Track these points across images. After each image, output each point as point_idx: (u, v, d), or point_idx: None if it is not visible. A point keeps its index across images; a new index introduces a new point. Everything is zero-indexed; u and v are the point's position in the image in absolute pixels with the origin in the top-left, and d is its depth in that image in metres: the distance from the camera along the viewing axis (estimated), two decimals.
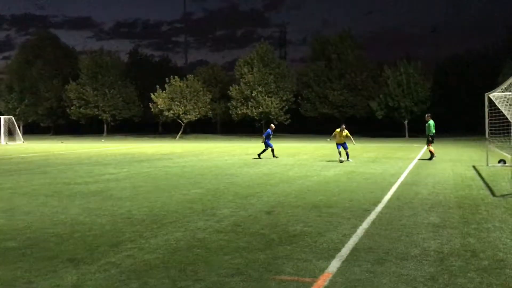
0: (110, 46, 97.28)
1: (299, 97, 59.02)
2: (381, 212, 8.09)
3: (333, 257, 5.40)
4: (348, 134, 18.48)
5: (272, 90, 56.64)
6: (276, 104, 56.21)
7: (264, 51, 58.24)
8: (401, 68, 51.60)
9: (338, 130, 18.44)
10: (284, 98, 57.34)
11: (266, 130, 21.17)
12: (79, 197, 9.98)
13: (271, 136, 20.40)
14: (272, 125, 21.52)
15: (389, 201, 9.29)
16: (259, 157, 20.05)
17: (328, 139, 20.25)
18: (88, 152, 27.34)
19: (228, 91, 58.59)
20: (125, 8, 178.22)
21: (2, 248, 5.83)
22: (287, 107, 57.64)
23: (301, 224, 7.16)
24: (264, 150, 20.24)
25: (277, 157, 19.92)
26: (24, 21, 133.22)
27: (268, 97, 56.13)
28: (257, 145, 33.62)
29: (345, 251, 5.65)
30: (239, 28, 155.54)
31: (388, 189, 10.84)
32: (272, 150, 20.20)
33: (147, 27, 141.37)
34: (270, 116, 56.11)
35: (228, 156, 22.91)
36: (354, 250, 5.70)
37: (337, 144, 18.27)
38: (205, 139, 52.18)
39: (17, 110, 61.77)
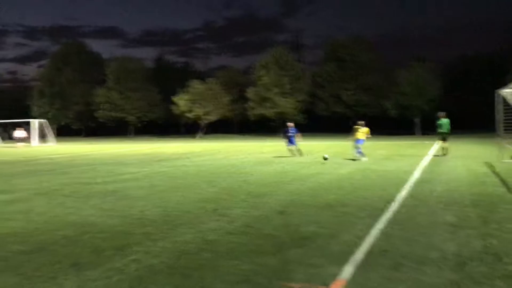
0: (136, 53, 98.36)
1: (314, 97, 58.27)
2: (396, 211, 7.46)
3: (346, 261, 4.82)
4: (363, 131, 17.51)
5: (288, 91, 56.03)
6: (292, 104, 55.59)
7: (279, 55, 57.66)
8: (413, 68, 50.52)
9: (358, 127, 17.53)
10: (299, 99, 56.69)
11: (286, 129, 20.32)
12: (95, 197, 9.56)
13: (288, 135, 19.79)
14: (290, 124, 20.73)
15: (404, 199, 8.64)
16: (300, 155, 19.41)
17: (348, 138, 18.86)
18: (113, 153, 27.13)
19: (246, 93, 58.15)
20: (150, 18, 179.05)
21: (11, 252, 5.39)
22: (302, 107, 56.98)
23: (313, 225, 6.59)
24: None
25: (293, 156, 19.23)
26: (57, 32, 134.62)
27: (284, 98, 55.55)
28: (273, 144, 33.07)
29: (360, 255, 5.06)
30: (257, 34, 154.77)
31: (402, 187, 10.17)
32: (292, 149, 19.61)
33: (171, 35, 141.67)
34: (286, 116, 55.50)
35: (244, 154, 22.40)
36: (369, 253, 5.11)
37: (357, 141, 17.40)
38: (224, 139, 51.76)
39: (49, 114, 62.20)
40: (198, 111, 56.51)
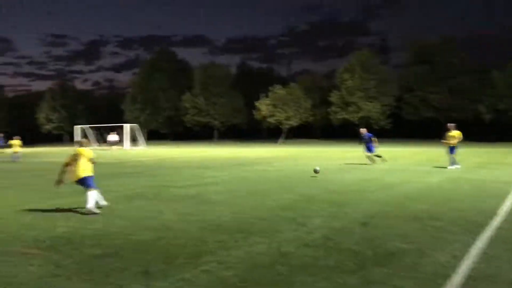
0: (221, 60, 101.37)
1: (401, 101, 55.72)
2: (499, 228, 6.53)
3: (441, 286, 4.16)
4: (454, 134, 16.06)
5: (373, 95, 54.14)
6: (377, 108, 53.61)
7: (365, 58, 55.90)
8: (510, 69, 46.46)
9: (450, 131, 16.08)
10: (385, 103, 54.53)
11: (360, 136, 19.26)
12: (175, 201, 9.56)
13: (363, 141, 18.80)
14: (363, 129, 19.57)
15: (508, 213, 7.61)
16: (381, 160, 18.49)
17: (442, 141, 17.11)
18: (197, 156, 27.75)
19: (329, 97, 57.13)
20: (235, 26, 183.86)
21: (86, 256, 5.38)
22: (388, 111, 54.74)
23: (400, 240, 5.92)
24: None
25: (373, 164, 18.23)
26: (149, 41, 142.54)
27: (369, 102, 53.77)
28: (356, 150, 31.93)
29: (458, 279, 4.36)
30: (340, 38, 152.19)
31: (504, 199, 9.04)
32: (370, 156, 18.59)
33: (254, 42, 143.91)
34: (370, 120, 53.69)
35: (326, 160, 21.72)
36: (469, 278, 4.39)
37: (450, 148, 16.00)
38: (305, 144, 51.13)
39: (140, 118, 65.63)
40: (279, 115, 56.51)
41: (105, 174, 16.16)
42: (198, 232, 6.53)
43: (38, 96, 79.62)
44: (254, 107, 58.52)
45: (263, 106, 56.97)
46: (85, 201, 8.30)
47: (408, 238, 6.02)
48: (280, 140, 58.27)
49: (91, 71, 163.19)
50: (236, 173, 15.81)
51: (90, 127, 52.36)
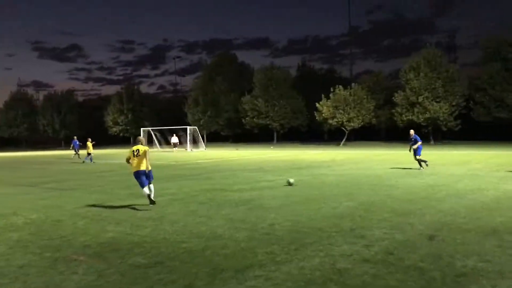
0: (283, 62, 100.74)
1: (471, 102, 52.60)
2: None
3: None
4: None
5: (440, 95, 51.48)
6: (445, 109, 50.92)
7: (431, 56, 53.29)
8: None
9: None
10: (453, 103, 51.70)
11: (414, 137, 18.20)
12: (228, 206, 9.31)
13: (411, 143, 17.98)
14: (411, 131, 18.70)
15: None
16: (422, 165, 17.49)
17: None
18: (255, 159, 27.58)
19: (393, 97, 55.08)
20: (297, 27, 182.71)
21: (130, 265, 5.20)
22: (457, 112, 51.86)
23: (474, 258, 5.25)
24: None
25: (420, 168, 17.13)
26: (212, 45, 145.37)
27: (436, 102, 51.22)
28: (424, 153, 30.40)
29: None
30: (405, 37, 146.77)
31: None
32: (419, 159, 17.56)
33: (316, 43, 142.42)
34: (438, 121, 51.12)
35: (390, 164, 20.71)
36: None
37: None
38: (368, 146, 49.56)
39: (201, 121, 66.83)
40: (341, 117, 55.23)
41: (163, 177, 16.32)
42: (248, 242, 6.19)
43: (107, 99, 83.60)
44: (315, 109, 57.66)
45: (324, 108, 55.97)
46: (151, 192, 9.45)
47: (483, 256, 5.32)
48: (342, 142, 56.98)
49: (156, 75, 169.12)
50: (293, 177, 15.31)
51: (153, 129, 53.98)
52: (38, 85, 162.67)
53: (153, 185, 9.64)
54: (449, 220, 7.47)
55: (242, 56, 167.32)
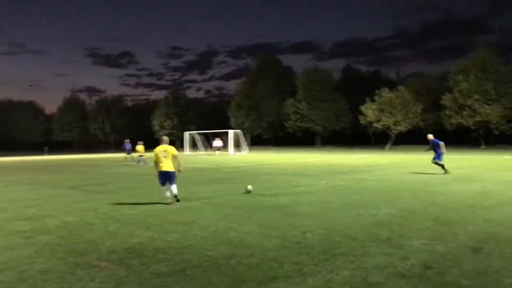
0: (328, 65, 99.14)
1: None
2: None
3: None
4: None
5: (492, 97, 49.07)
6: (497, 112, 48.45)
7: (482, 57, 50.89)
8: None
9: None
10: (507, 106, 49.11)
11: (434, 141, 17.66)
12: (262, 211, 9.02)
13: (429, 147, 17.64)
14: (429, 135, 18.38)
15: None
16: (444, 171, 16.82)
17: None
18: (296, 163, 27.18)
19: (440, 100, 53.04)
20: (342, 29, 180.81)
21: (151, 273, 5.00)
22: (510, 115, 49.23)
23: None
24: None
25: (444, 173, 16.57)
26: (257, 49, 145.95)
27: (487, 105, 48.85)
28: (472, 158, 28.97)
29: None
30: (456, 38, 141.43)
31: None
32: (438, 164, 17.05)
33: (362, 45, 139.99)
34: (490, 125, 48.74)
35: (437, 169, 19.74)
36: None
37: None
38: (415, 151, 47.85)
39: (245, 124, 67.01)
40: (386, 120, 53.78)
41: (201, 180, 16.28)
42: (276, 251, 5.88)
43: (154, 104, 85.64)
44: (360, 112, 56.46)
45: (369, 111, 54.69)
46: (172, 193, 10.14)
47: None
48: (387, 146, 55.42)
49: (203, 80, 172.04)
50: (333, 181, 14.89)
51: (197, 133, 54.59)
52: (91, 90, 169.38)
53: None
54: (498, 231, 6.85)
55: (287, 60, 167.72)
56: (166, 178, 10.24)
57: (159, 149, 10.35)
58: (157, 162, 10.34)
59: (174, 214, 8.81)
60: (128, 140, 32.85)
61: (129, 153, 31.35)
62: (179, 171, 10.49)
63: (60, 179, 18.08)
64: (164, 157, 10.23)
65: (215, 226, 7.55)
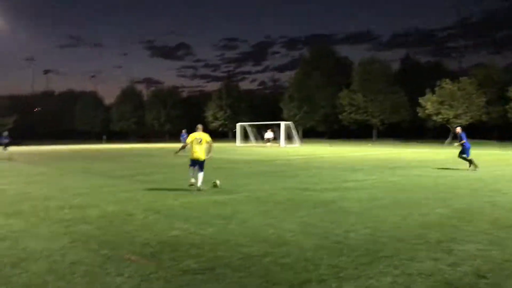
0: (386, 56, 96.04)
1: None
2: None
3: None
4: None
5: None
6: None
7: None
8: None
9: None
10: None
11: (461, 134, 17.30)
12: (305, 207, 8.70)
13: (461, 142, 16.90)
14: (457, 128, 17.76)
15: None
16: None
17: None
18: (349, 156, 26.50)
19: (507, 92, 49.90)
20: (401, 20, 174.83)
21: (179, 269, 4.82)
22: None
23: None
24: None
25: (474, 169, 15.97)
26: (313, 40, 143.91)
27: None
28: None
29: None
30: None
31: None
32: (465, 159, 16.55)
33: (422, 36, 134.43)
34: None
35: (500, 166, 18.51)
36: None
37: None
38: (477, 146, 45.32)
39: (297, 116, 66.31)
40: (446, 113, 51.31)
41: (248, 173, 16.17)
42: (314, 251, 5.56)
43: (209, 96, 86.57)
44: (418, 104, 54.23)
45: (428, 103, 52.40)
46: (198, 180, 10.82)
47: None
48: (448, 140, 52.96)
49: (258, 72, 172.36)
50: (385, 177, 14.27)
51: (249, 124, 54.72)
52: (149, 81, 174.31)
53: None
54: None
55: (344, 51, 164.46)
56: (195, 164, 11.00)
57: (194, 136, 11.07)
58: (189, 148, 11.09)
59: (215, 207, 8.69)
60: (185, 130, 33.17)
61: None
62: (210, 157, 11.34)
63: (112, 168, 18.58)
64: (198, 143, 10.92)
65: (254, 222, 7.33)
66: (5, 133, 29.66)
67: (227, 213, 8.06)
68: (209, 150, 11.19)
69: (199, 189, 10.81)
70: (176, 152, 12.96)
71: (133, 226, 6.98)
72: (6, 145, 28.51)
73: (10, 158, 24.97)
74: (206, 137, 11.14)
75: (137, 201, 9.50)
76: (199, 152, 10.96)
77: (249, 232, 6.59)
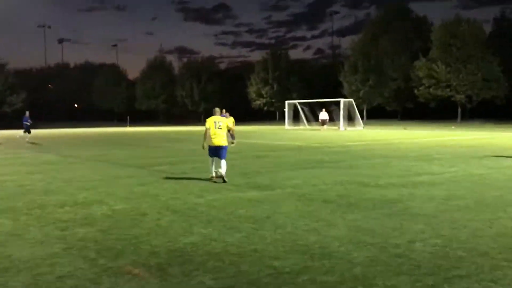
0: (475, 15, 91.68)
1: None
2: None
3: None
4: None
5: None
6: None
7: None
8: None
9: None
10: None
11: None
12: (361, 208, 8.39)
13: None
14: None
15: None
16: None
17: None
18: (426, 142, 25.82)
19: None
20: None
21: (196, 283, 4.70)
22: None
23: None
24: None
25: None
26: None
27: None
28: None
29: None
30: None
31: None
32: None
33: None
34: None
35: None
36: None
37: None
38: None
39: (361, 92, 65.17)
40: None
41: (294, 163, 16.03)
42: (365, 266, 5.26)
43: (252, 68, 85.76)
44: None
45: None
46: (221, 168, 11.30)
47: None
48: None
49: (313, 37, 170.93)
50: (469, 169, 13.68)
51: (301, 102, 54.34)
52: (181, 51, 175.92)
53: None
54: None
55: (421, 8, 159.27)
56: (216, 152, 11.47)
57: (213, 119, 11.55)
58: (208, 135, 11.52)
59: (247, 206, 8.56)
60: (224, 110, 33.16)
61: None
62: (232, 143, 12.21)
63: (131, 156, 18.88)
64: (219, 128, 11.42)
65: (293, 226, 7.11)
66: (27, 113, 30.93)
67: (261, 214, 7.88)
68: (232, 136, 11.85)
69: (224, 180, 11.23)
70: (204, 147, 12.42)
71: (143, 229, 6.94)
72: (27, 128, 29.89)
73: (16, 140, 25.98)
74: (226, 121, 11.79)
75: (154, 197, 9.52)
76: (219, 138, 11.44)
77: (285, 240, 6.37)
